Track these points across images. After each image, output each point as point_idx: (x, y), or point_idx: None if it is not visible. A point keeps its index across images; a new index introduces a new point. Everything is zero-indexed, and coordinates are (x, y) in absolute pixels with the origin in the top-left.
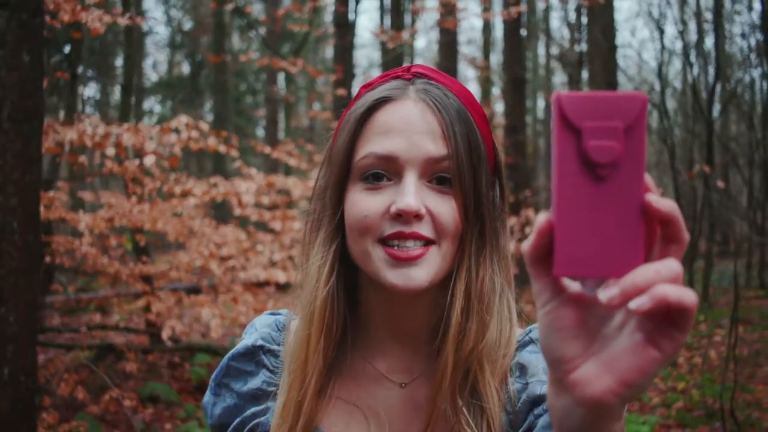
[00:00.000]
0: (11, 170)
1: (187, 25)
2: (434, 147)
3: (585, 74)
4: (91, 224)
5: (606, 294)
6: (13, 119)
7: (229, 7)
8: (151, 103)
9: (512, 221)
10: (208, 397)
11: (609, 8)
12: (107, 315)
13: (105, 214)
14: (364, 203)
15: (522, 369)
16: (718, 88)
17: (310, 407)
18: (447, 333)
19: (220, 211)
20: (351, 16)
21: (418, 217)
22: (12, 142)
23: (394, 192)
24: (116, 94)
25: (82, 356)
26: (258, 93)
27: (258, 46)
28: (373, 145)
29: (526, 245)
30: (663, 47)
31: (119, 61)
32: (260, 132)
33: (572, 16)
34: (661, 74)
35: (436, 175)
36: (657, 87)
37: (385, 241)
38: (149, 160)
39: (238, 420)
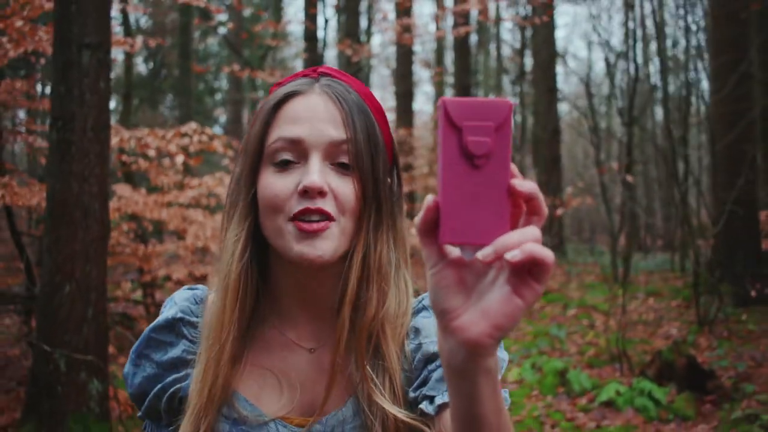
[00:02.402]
0: (93, 166)
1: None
2: (336, 133)
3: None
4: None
5: (482, 253)
6: (94, 129)
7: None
8: (112, 103)
9: (417, 218)
10: (128, 368)
11: (550, 24)
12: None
13: (114, 204)
14: (275, 184)
15: (416, 331)
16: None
17: (226, 372)
18: (344, 298)
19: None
20: (320, 33)
21: (321, 194)
22: (94, 145)
23: (301, 173)
24: None
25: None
26: (216, 92)
27: (223, 47)
28: (282, 131)
29: (416, 219)
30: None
31: None
32: (218, 131)
33: (517, 30)
34: (588, 82)
35: (337, 160)
36: (600, 90)
37: (294, 219)
38: (179, 159)
39: (158, 386)
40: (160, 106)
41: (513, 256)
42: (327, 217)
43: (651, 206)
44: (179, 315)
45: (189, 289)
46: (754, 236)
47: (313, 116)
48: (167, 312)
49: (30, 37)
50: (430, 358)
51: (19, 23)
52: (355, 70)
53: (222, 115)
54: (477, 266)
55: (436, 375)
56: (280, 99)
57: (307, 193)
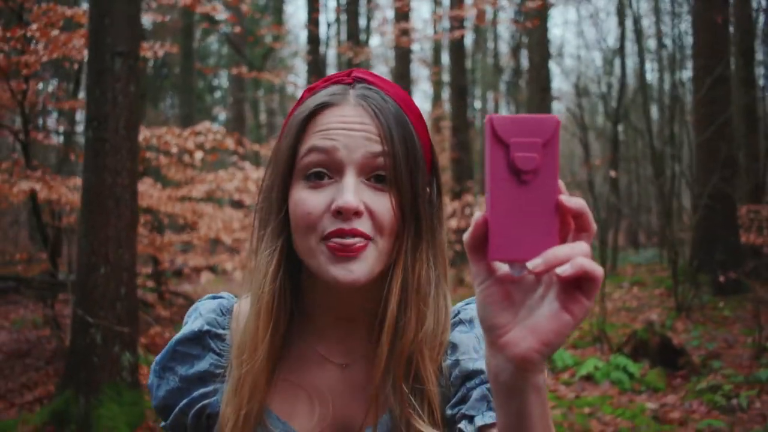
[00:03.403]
0: (124, 161)
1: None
2: (372, 146)
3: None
4: None
5: (532, 263)
6: (126, 128)
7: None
8: None
9: (456, 205)
10: (152, 379)
11: (543, 26)
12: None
13: None
14: (307, 201)
15: (454, 347)
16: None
17: (259, 391)
18: (383, 324)
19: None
20: (323, 36)
21: (357, 214)
22: (125, 142)
23: (334, 190)
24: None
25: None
26: (215, 90)
27: (222, 44)
28: (315, 144)
29: (465, 236)
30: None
31: None
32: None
33: (514, 30)
34: (578, 81)
35: (374, 174)
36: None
37: (327, 239)
38: (198, 156)
39: (184, 401)
40: (162, 105)
41: (563, 270)
42: (363, 238)
43: (648, 204)
44: (206, 327)
45: (212, 297)
46: (732, 229)
47: (348, 129)
48: (192, 324)
49: (65, 45)
50: (469, 375)
51: (55, 32)
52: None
53: (222, 113)
54: (525, 283)
55: (476, 394)
56: (312, 110)
57: (341, 213)
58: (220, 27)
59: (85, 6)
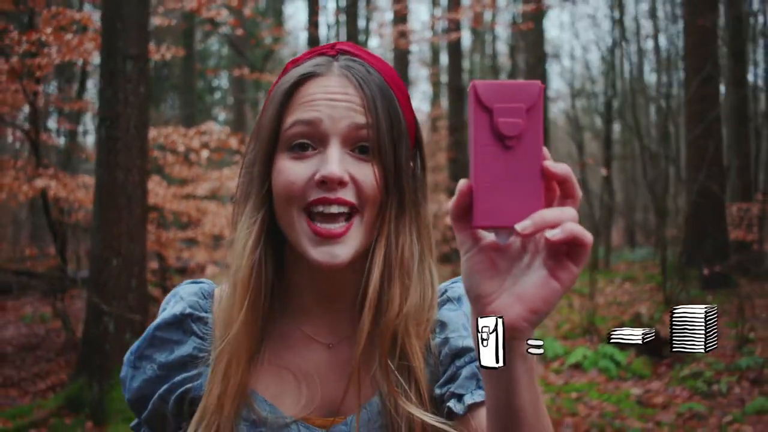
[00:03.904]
0: (135, 159)
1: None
2: (356, 117)
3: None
4: None
5: (521, 225)
6: (136, 127)
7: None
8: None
9: (450, 202)
10: (125, 371)
11: (539, 28)
12: None
13: None
14: (290, 171)
15: (442, 325)
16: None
17: (243, 371)
18: (365, 298)
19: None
20: (323, 38)
21: (341, 183)
22: (136, 141)
23: (318, 160)
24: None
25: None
26: (215, 90)
27: (222, 44)
28: (299, 115)
29: (450, 205)
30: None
31: None
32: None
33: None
34: (572, 81)
35: (358, 145)
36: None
37: (309, 209)
38: (204, 154)
39: (164, 387)
40: (162, 106)
41: (554, 234)
42: (349, 208)
43: (646, 203)
44: (188, 311)
45: (193, 282)
46: (721, 226)
47: (332, 100)
48: (173, 308)
49: (77, 48)
50: (458, 353)
51: (68, 36)
52: None
53: (221, 113)
54: (511, 251)
55: (465, 372)
56: (295, 81)
57: (325, 183)
58: (221, 29)
59: (86, 8)
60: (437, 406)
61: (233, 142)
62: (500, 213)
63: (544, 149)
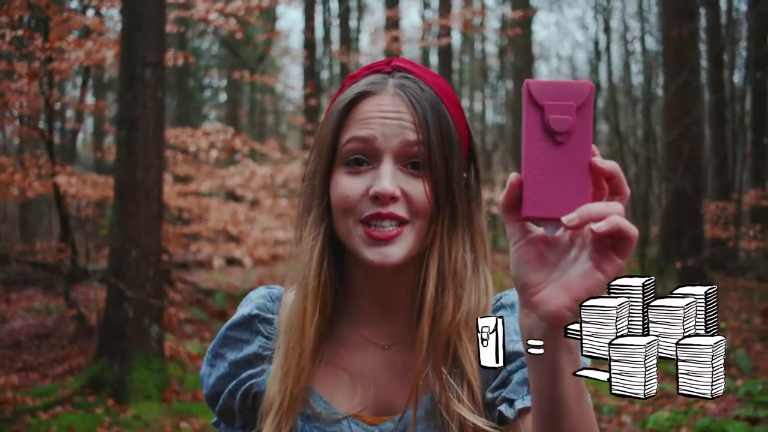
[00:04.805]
0: (153, 158)
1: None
2: (408, 134)
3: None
4: None
5: (567, 217)
6: (154, 129)
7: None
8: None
9: (501, 194)
10: (204, 369)
11: (527, 32)
12: None
13: None
14: (346, 185)
15: None
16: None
17: (306, 371)
18: (422, 309)
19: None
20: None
21: (393, 199)
22: (153, 142)
23: (372, 176)
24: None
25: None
26: (206, 89)
27: (214, 43)
28: (354, 132)
29: (501, 197)
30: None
31: None
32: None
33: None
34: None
35: (410, 161)
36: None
37: (365, 222)
38: (213, 153)
39: (233, 383)
40: None
41: (599, 227)
42: (399, 221)
43: (634, 202)
44: (255, 312)
45: (266, 288)
46: (697, 224)
47: (386, 118)
48: (243, 309)
49: (96, 53)
50: (510, 357)
51: (89, 44)
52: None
53: (212, 111)
54: (560, 244)
55: (516, 377)
56: (352, 98)
57: (378, 199)
58: (220, 32)
59: (106, 12)
60: (489, 410)
61: (237, 142)
62: (548, 205)
63: (593, 146)
